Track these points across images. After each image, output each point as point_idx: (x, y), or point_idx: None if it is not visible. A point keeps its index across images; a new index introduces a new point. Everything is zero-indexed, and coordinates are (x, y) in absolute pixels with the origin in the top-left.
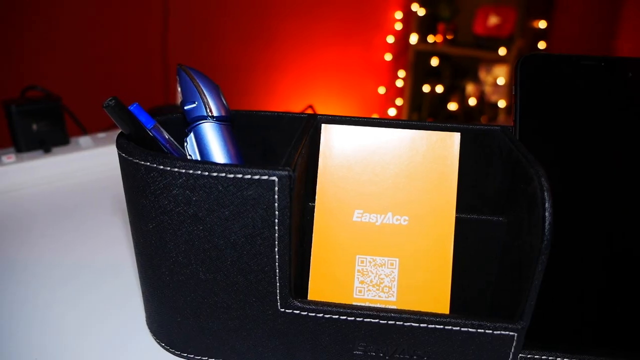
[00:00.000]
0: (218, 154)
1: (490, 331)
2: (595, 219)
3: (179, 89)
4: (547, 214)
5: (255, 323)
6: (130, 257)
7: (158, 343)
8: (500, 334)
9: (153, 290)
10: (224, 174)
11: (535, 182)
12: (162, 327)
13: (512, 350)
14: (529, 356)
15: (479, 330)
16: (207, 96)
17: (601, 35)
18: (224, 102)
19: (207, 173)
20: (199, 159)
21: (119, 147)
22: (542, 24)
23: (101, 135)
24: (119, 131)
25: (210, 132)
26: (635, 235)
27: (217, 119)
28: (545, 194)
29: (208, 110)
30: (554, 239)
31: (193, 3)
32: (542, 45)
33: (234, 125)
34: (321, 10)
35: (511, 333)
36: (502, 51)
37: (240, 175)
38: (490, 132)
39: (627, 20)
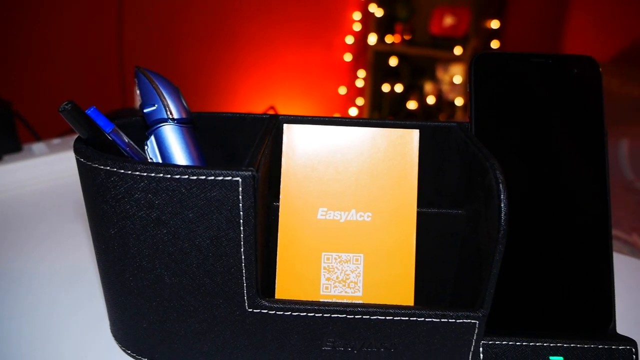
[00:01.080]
0: (180, 156)
1: (453, 320)
2: (546, 208)
3: (138, 92)
4: (502, 204)
5: (224, 325)
6: (92, 264)
7: (124, 351)
8: (463, 322)
9: (117, 297)
10: (186, 176)
11: (490, 174)
12: (127, 334)
13: (475, 337)
14: (490, 342)
15: (442, 320)
16: (167, 98)
17: (550, 34)
18: (185, 104)
19: (169, 176)
20: (160, 162)
21: (76, 152)
22: (495, 24)
23: (56, 141)
24: (75, 136)
25: (171, 134)
26: (580, 222)
27: (178, 121)
28: (500, 185)
29: (168, 113)
30: (510, 229)
31: (149, 5)
32: (495, 44)
33: (196, 127)
34: (281, 12)
35: (473, 321)
36: (457, 50)
37: (203, 177)
38: (447, 128)
39: (573, 19)
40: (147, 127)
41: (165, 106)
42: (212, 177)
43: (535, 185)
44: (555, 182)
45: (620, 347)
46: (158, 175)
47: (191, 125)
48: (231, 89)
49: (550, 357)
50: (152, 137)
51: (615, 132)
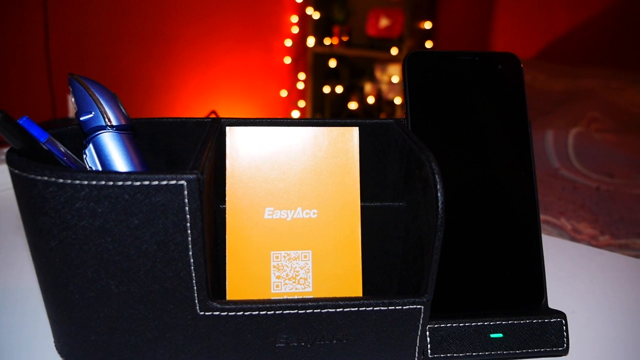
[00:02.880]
0: (121, 164)
1: (400, 307)
2: (479, 196)
3: (73, 100)
4: (439, 194)
5: (175, 330)
6: (32, 279)
7: None
8: (409, 308)
9: (61, 311)
10: (129, 182)
11: (427, 167)
12: (74, 349)
13: (421, 322)
14: (435, 326)
15: (389, 308)
16: (104, 105)
17: (479, 33)
18: (123, 110)
19: (111, 183)
20: (101, 170)
21: (9, 163)
22: (428, 25)
23: None
24: (7, 148)
25: (111, 142)
26: (511, 208)
27: (117, 128)
28: (436, 176)
29: (106, 120)
30: (448, 217)
31: (77, 11)
32: (429, 44)
33: (136, 134)
34: (218, 17)
35: (418, 306)
36: (394, 51)
37: (147, 182)
38: (385, 125)
39: (499, 19)
40: (84, 135)
41: (103, 113)
42: (156, 182)
43: (468, 175)
44: (487, 171)
45: (552, 320)
46: (100, 183)
47: (131, 132)
48: (171, 95)
49: (491, 335)
50: (91, 146)
51: (541, 124)
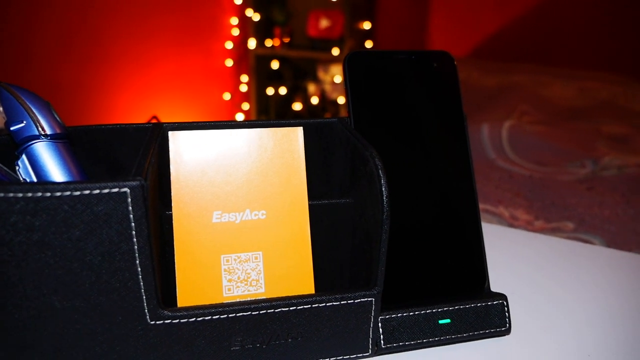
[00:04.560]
0: (57, 174)
1: (352, 301)
2: (421, 189)
3: (1, 109)
4: (383, 189)
5: (126, 343)
6: None
7: None
8: (361, 301)
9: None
10: (68, 193)
11: (370, 163)
12: None
13: (373, 314)
14: (387, 316)
15: (342, 302)
16: (37, 113)
17: (416, 32)
18: (57, 118)
19: (49, 194)
20: (36, 181)
21: None
22: (367, 25)
23: None
24: None
25: (45, 152)
26: (451, 198)
27: (52, 137)
28: (380, 171)
29: (40, 129)
30: (392, 210)
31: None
32: (369, 44)
33: (72, 142)
34: (155, 20)
35: (369, 299)
36: (335, 51)
37: (87, 192)
38: (329, 124)
39: (434, 19)
40: (16, 146)
41: (35, 122)
42: (97, 191)
43: (410, 170)
44: (427, 165)
45: (494, 302)
46: (36, 194)
47: (67, 141)
48: (109, 102)
49: (440, 321)
50: (24, 157)
51: (477, 118)
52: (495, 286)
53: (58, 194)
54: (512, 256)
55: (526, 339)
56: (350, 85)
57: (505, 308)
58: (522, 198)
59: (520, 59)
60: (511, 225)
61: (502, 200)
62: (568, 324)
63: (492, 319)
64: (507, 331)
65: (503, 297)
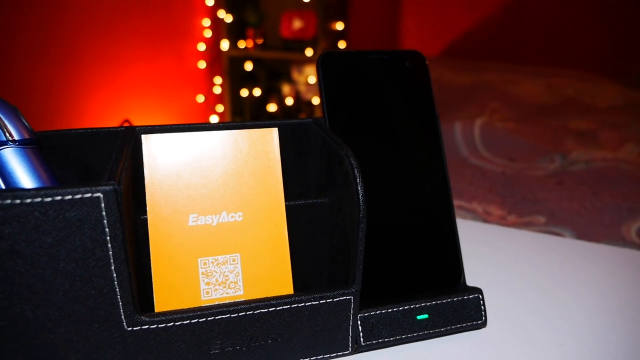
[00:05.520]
0: (27, 180)
1: (331, 300)
2: (397, 186)
3: None
4: (359, 187)
5: (103, 350)
6: None
7: None
8: (340, 300)
9: None
10: (39, 199)
11: (346, 162)
12: None
13: (352, 312)
14: (366, 314)
15: (321, 302)
16: (3, 119)
17: (388, 32)
18: (25, 123)
19: (18, 201)
20: (5, 188)
21: None
22: (340, 26)
23: None
24: None
25: (14, 158)
26: (426, 195)
27: (20, 143)
28: (355, 170)
29: (7, 135)
30: (369, 209)
31: None
32: (342, 44)
33: (42, 147)
34: (126, 23)
35: (348, 297)
36: (309, 52)
37: (59, 198)
38: (304, 124)
39: (406, 19)
40: None
41: (3, 127)
42: (70, 197)
43: (385, 168)
44: (401, 163)
45: (470, 297)
46: (5, 202)
47: (36, 146)
48: (80, 106)
49: (418, 317)
50: None
51: (450, 116)
52: (470, 280)
53: (28, 200)
54: (487, 251)
55: (502, 330)
56: (324, 85)
57: (481, 302)
58: (495, 194)
59: (490, 58)
60: (485, 221)
61: (476, 197)
62: (541, 314)
63: (469, 312)
64: (483, 324)
65: (478, 291)
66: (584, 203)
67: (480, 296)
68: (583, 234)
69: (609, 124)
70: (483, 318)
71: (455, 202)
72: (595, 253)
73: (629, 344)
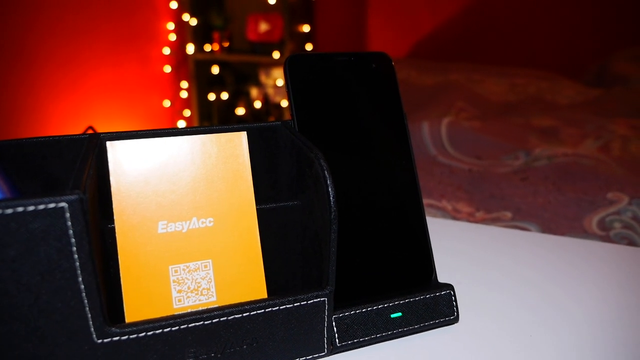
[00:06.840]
0: None
1: (305, 302)
2: (367, 187)
3: None
4: (329, 189)
5: None
6: None
7: None
8: (314, 302)
9: None
10: (0, 211)
11: (316, 164)
12: None
13: (326, 313)
14: (340, 315)
15: (295, 305)
16: None
17: (355, 34)
18: None
19: None
20: None
21: None
22: (306, 28)
23: None
24: None
25: None
26: (396, 195)
27: None
28: (325, 172)
29: None
30: (340, 210)
31: None
32: (309, 46)
33: (2, 158)
34: (89, 28)
35: (322, 299)
36: (276, 55)
37: (21, 209)
38: (272, 127)
39: (372, 21)
40: None
41: None
42: (32, 207)
43: (355, 169)
44: (371, 164)
45: (442, 293)
46: None
47: None
48: (41, 115)
49: (391, 315)
50: None
51: (418, 116)
52: (442, 276)
53: None
54: (457, 247)
55: (474, 325)
56: (291, 88)
57: (453, 297)
58: (463, 191)
59: (455, 59)
60: (454, 218)
61: (445, 195)
62: (511, 307)
63: (441, 309)
64: (456, 319)
65: (450, 287)
66: (547, 198)
67: (452, 292)
68: (548, 228)
69: (570, 121)
70: (455, 314)
71: (425, 201)
72: (560, 246)
73: (594, 331)
